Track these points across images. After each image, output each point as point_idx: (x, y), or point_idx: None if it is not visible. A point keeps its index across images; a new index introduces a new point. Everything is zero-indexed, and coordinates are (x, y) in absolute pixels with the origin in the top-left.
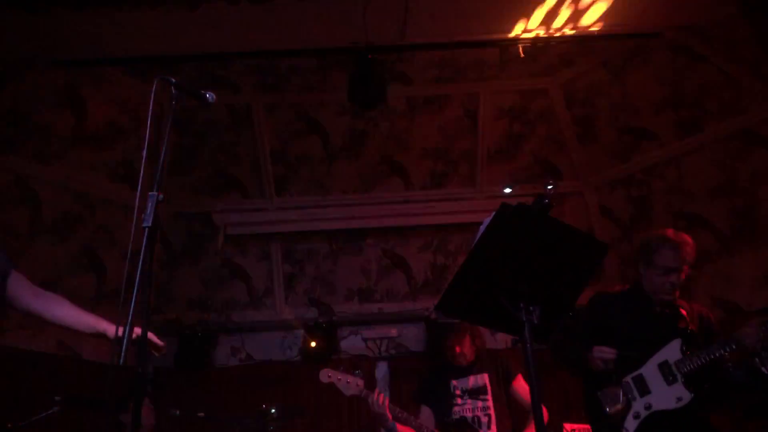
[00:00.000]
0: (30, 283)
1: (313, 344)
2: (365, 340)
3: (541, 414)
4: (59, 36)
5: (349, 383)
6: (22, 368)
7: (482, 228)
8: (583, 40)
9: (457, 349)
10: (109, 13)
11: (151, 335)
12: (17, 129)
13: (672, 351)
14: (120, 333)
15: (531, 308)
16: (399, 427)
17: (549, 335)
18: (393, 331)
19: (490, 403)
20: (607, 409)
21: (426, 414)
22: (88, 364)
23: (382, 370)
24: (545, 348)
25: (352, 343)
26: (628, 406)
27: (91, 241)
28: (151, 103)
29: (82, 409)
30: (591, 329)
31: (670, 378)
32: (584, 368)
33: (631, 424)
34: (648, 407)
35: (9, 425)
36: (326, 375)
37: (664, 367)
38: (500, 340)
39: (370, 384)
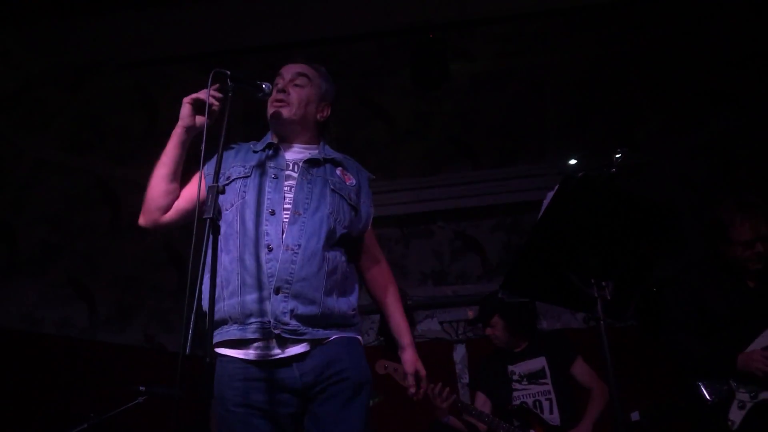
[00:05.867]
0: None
1: None
2: (441, 323)
3: (617, 393)
4: (126, 38)
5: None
6: (109, 361)
7: (545, 203)
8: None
9: (488, 332)
10: (171, 11)
11: None
12: (94, 131)
13: None
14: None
15: (603, 284)
16: (453, 420)
17: (626, 311)
18: (469, 313)
19: (550, 387)
20: (709, 399)
21: (481, 400)
22: (173, 356)
23: (460, 352)
24: (620, 326)
25: (428, 326)
26: (731, 395)
27: (170, 237)
28: (208, 95)
29: (165, 399)
30: (687, 313)
31: None
32: (725, 370)
33: (736, 414)
34: (754, 396)
35: (91, 414)
36: (382, 366)
37: None
38: (580, 318)
39: (449, 367)
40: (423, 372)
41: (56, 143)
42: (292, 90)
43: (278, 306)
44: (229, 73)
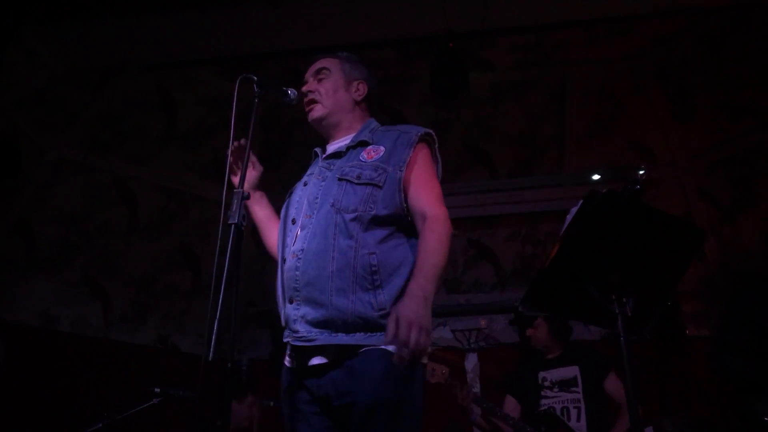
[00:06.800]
0: None
1: None
2: (453, 331)
3: (638, 409)
4: (148, 40)
5: (435, 370)
6: (123, 360)
7: (569, 217)
8: (676, 13)
9: (529, 332)
10: (194, 15)
11: None
12: (114, 131)
13: None
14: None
15: (624, 300)
16: (481, 419)
17: (645, 327)
18: (482, 323)
19: (581, 396)
20: (766, 418)
21: (511, 404)
22: (186, 357)
23: (471, 361)
24: (639, 340)
25: (439, 334)
26: None
27: (186, 238)
28: (234, 100)
29: (179, 400)
30: (737, 333)
31: None
32: None
33: None
34: None
35: (105, 414)
36: None
37: None
38: (594, 331)
39: (461, 376)
40: (407, 320)
41: (77, 143)
42: (317, 86)
43: (291, 315)
44: (255, 78)
